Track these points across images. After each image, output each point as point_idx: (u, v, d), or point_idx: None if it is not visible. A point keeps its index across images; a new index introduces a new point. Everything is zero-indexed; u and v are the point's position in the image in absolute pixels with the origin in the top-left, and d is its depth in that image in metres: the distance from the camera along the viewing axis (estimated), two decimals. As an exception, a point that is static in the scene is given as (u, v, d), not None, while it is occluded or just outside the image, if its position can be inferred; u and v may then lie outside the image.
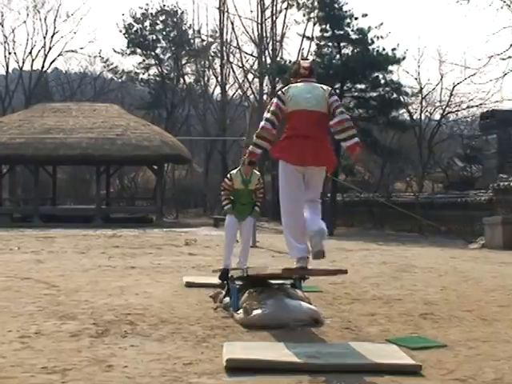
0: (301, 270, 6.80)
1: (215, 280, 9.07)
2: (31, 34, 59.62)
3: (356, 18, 30.61)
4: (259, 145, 6.70)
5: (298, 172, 6.59)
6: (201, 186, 45.89)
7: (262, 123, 6.65)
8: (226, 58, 45.67)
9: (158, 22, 49.46)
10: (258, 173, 10.69)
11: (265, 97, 42.65)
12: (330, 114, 6.60)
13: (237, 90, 48.63)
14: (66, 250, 16.26)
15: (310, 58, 32.88)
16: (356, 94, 30.85)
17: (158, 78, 50.28)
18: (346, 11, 30.76)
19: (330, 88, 6.83)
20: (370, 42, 30.09)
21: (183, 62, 50.09)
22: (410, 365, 5.22)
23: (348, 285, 9.98)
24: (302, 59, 7.25)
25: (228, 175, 10.46)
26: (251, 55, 45.10)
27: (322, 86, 6.75)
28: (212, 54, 48.42)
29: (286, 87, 6.77)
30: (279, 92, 6.80)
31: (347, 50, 31.06)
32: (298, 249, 6.62)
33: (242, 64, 45.29)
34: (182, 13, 49.86)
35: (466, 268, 13.10)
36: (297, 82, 6.78)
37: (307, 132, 6.51)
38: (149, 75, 51.29)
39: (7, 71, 48.25)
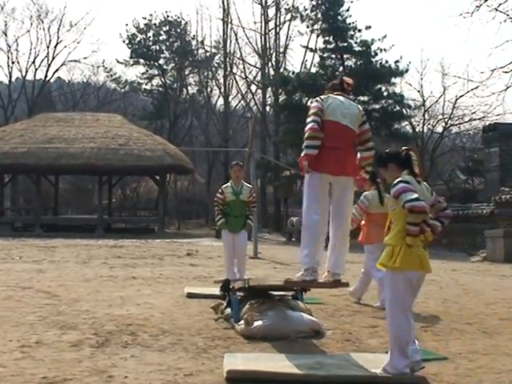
0: (302, 283, 6.79)
1: (216, 291, 9.06)
2: (35, 44, 59.98)
3: (359, 31, 30.83)
4: (314, 145, 6.49)
5: (325, 182, 6.58)
6: (203, 196, 45.90)
7: (310, 125, 6.51)
8: (229, 68, 45.80)
9: (162, 32, 49.66)
10: (249, 185, 10.83)
11: (268, 108, 42.76)
12: (359, 138, 6.71)
13: (240, 101, 48.80)
14: (67, 259, 16.25)
15: (310, 69, 33.00)
16: (359, 106, 30.91)
17: (161, 89, 50.41)
18: (349, 23, 30.97)
19: (363, 111, 6.90)
20: (373, 54, 30.27)
21: (186, 72, 50.23)
22: (411, 377, 5.21)
23: (349, 297, 9.96)
24: (344, 76, 7.33)
25: (220, 189, 10.60)
26: (254, 66, 45.26)
27: (358, 106, 6.87)
28: (215, 64, 48.62)
29: (325, 95, 6.72)
30: (317, 98, 6.70)
31: (350, 62, 31.25)
32: (309, 257, 6.57)
33: (245, 75, 45.44)
34: (186, 23, 50.09)
35: (467, 281, 13.09)
36: (334, 94, 6.76)
37: (338, 143, 6.51)
38: (152, 85, 51.50)
39: (10, 80, 48.46)
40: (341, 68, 30.60)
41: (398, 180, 5.30)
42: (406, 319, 5.24)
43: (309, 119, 6.57)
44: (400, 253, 5.19)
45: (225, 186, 10.66)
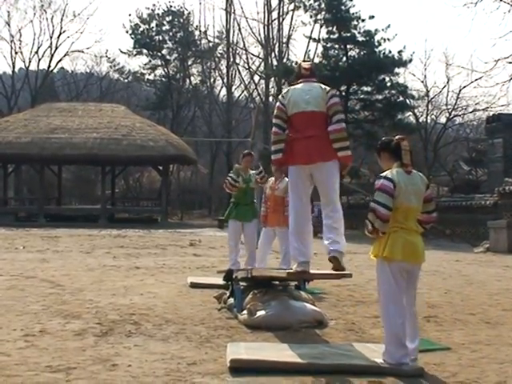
0: (305, 274, 6.78)
1: (219, 281, 9.08)
2: (38, 34, 60.05)
3: (363, 20, 30.67)
4: (278, 149, 6.70)
5: (303, 172, 6.58)
6: (206, 187, 45.93)
7: (272, 129, 6.76)
8: (232, 59, 45.74)
9: (165, 22, 49.56)
10: (254, 171, 10.72)
11: (271, 98, 42.71)
12: (328, 115, 6.57)
13: (243, 92, 48.78)
14: (70, 249, 16.30)
15: (313, 59, 32.96)
16: (362, 96, 30.89)
17: (164, 79, 50.37)
18: (352, 13, 30.81)
19: (330, 89, 6.74)
20: (376, 44, 30.15)
21: (189, 62, 50.18)
22: (410, 367, 5.20)
23: (352, 287, 9.97)
24: (303, 61, 7.34)
25: (233, 172, 10.31)
26: (257, 57, 45.19)
27: (321, 85, 6.70)
28: (218, 55, 48.51)
29: (286, 90, 6.87)
30: (280, 96, 6.87)
31: (353, 53, 31.13)
32: (301, 252, 6.58)
33: (248, 65, 45.38)
34: (189, 14, 50.02)
35: (470, 271, 13.09)
36: (297, 84, 6.78)
37: (308, 132, 6.51)
38: (155, 76, 51.50)
39: (13, 70, 48.45)
40: (344, 58, 30.51)
41: (381, 175, 5.30)
42: (397, 310, 5.23)
43: (273, 121, 6.81)
44: (388, 242, 5.18)
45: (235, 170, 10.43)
